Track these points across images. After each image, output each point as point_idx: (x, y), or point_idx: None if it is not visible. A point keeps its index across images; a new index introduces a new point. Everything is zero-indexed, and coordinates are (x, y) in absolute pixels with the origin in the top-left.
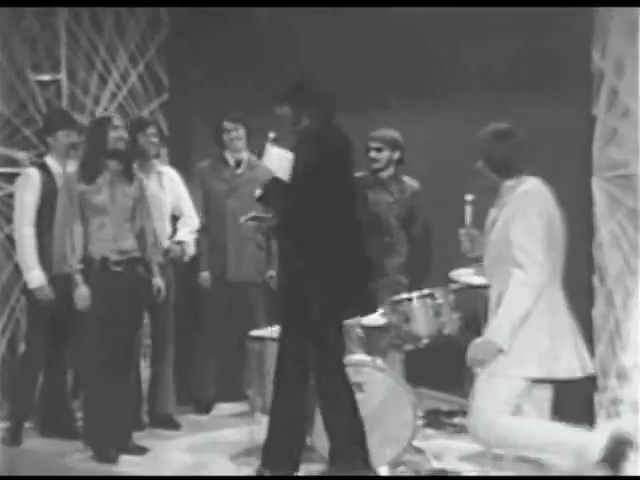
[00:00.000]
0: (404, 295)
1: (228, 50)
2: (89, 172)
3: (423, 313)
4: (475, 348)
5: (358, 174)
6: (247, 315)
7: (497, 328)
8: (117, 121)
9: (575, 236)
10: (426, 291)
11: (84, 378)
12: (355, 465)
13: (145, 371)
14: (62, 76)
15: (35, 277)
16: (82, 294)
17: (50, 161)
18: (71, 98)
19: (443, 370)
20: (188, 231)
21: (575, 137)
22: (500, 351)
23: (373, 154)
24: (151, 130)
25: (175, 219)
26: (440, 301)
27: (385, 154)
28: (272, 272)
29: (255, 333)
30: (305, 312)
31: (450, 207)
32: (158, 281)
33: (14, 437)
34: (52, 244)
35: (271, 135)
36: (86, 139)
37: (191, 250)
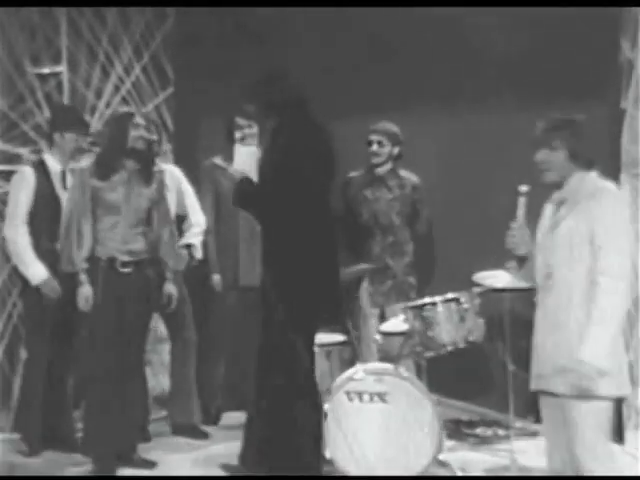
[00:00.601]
0: (427, 299)
1: (238, 41)
2: (105, 168)
3: (448, 318)
4: (578, 378)
5: (353, 174)
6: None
7: (594, 348)
8: (139, 119)
9: None
10: (450, 295)
11: (86, 385)
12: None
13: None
14: (63, 68)
15: (37, 272)
16: (84, 294)
17: (49, 160)
18: (72, 91)
19: (460, 377)
20: (195, 233)
21: (602, 132)
22: (600, 373)
23: (375, 148)
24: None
25: (180, 219)
26: (465, 306)
27: (387, 149)
28: None
29: None
30: (280, 318)
31: (471, 208)
32: (170, 288)
33: (32, 447)
34: (53, 242)
35: (238, 135)
36: (105, 133)
37: (199, 254)
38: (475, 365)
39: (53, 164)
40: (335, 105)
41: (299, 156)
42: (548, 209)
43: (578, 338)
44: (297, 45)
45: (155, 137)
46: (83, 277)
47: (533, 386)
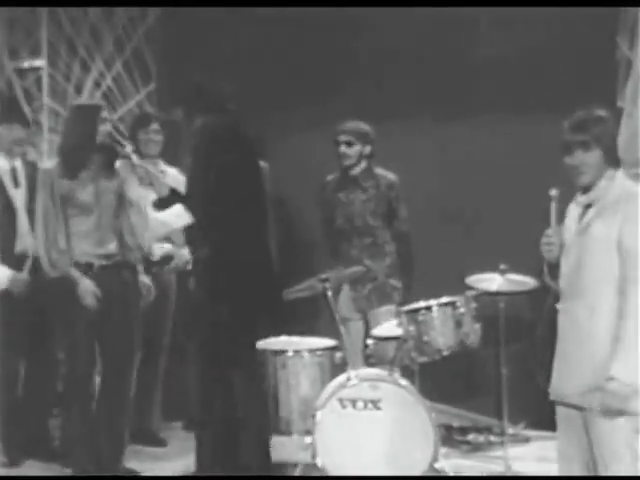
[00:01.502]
0: (422, 303)
1: (222, 36)
2: (73, 166)
3: (444, 323)
4: (610, 397)
5: (329, 177)
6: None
7: (629, 365)
8: (105, 113)
9: None
10: (446, 299)
11: (66, 393)
12: None
13: None
14: (43, 63)
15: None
16: (87, 288)
17: None
18: (51, 86)
19: (450, 381)
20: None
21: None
22: (635, 391)
23: (343, 149)
24: (154, 127)
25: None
26: (462, 310)
27: (356, 149)
28: None
29: (260, 345)
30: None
31: (462, 211)
32: (144, 280)
33: (11, 458)
34: (12, 244)
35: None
36: (70, 127)
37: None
38: (465, 369)
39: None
40: (342, 109)
41: (221, 151)
42: (574, 211)
43: (607, 351)
44: (297, 45)
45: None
46: (76, 273)
47: (554, 397)
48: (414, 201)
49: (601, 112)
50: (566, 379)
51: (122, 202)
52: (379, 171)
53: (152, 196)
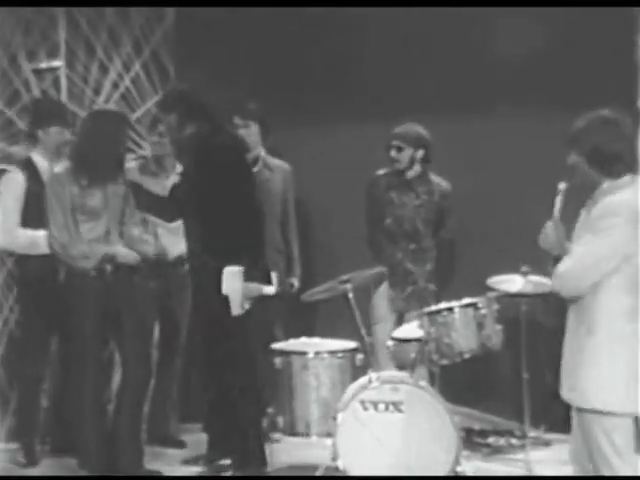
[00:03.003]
0: (443, 304)
1: (241, 36)
2: (93, 172)
3: (465, 325)
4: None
5: (380, 172)
6: (265, 326)
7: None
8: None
9: None
10: (467, 300)
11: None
12: None
13: None
14: (61, 63)
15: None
16: (123, 252)
17: (36, 158)
18: (69, 88)
19: (469, 384)
20: None
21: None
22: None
23: (393, 154)
24: (161, 129)
25: None
26: (483, 311)
27: (407, 153)
28: (293, 279)
29: (276, 346)
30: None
31: (485, 210)
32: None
33: (30, 458)
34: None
35: None
36: (95, 134)
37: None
38: (485, 371)
39: (41, 162)
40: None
41: (219, 159)
42: (582, 216)
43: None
44: (314, 44)
45: None
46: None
47: (566, 396)
48: None
49: (601, 118)
50: (564, 378)
51: (129, 205)
52: (434, 178)
53: None
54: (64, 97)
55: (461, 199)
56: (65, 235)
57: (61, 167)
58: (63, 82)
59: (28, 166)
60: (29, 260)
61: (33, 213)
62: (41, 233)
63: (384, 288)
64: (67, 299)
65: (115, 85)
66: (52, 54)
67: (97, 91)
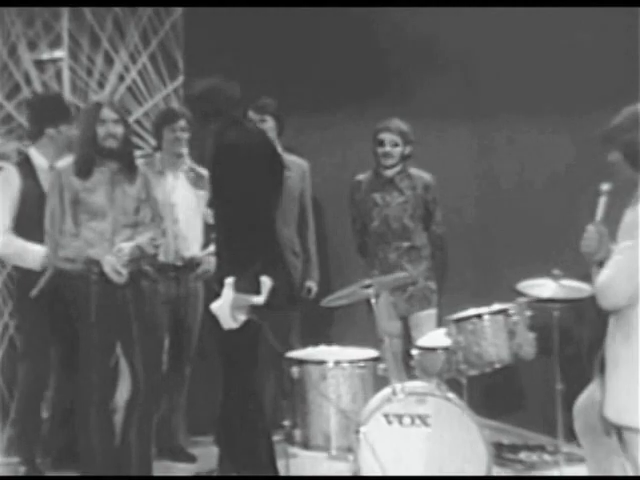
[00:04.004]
0: (472, 311)
1: (253, 26)
2: (82, 167)
3: (495, 333)
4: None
5: (361, 176)
6: (282, 334)
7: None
8: (108, 113)
9: None
10: (497, 306)
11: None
12: None
13: None
14: (63, 54)
15: (37, 252)
16: (109, 264)
17: (35, 155)
18: (72, 80)
19: (498, 395)
20: None
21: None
22: None
23: (388, 149)
24: (181, 124)
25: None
26: (515, 318)
27: (399, 149)
28: (311, 283)
29: (293, 355)
30: None
31: (508, 212)
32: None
33: (30, 471)
34: None
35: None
36: (77, 128)
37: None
38: (516, 382)
39: (40, 160)
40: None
41: (243, 154)
42: (627, 215)
43: None
44: (327, 41)
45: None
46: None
47: (613, 418)
48: (455, 202)
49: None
50: (622, 397)
51: (147, 207)
52: (414, 172)
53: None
54: (67, 90)
55: (488, 200)
56: (56, 235)
57: (65, 162)
58: (66, 74)
59: (24, 165)
60: None
61: (27, 217)
62: (34, 248)
63: (384, 297)
64: (70, 304)
65: (121, 77)
66: (54, 44)
67: (102, 84)
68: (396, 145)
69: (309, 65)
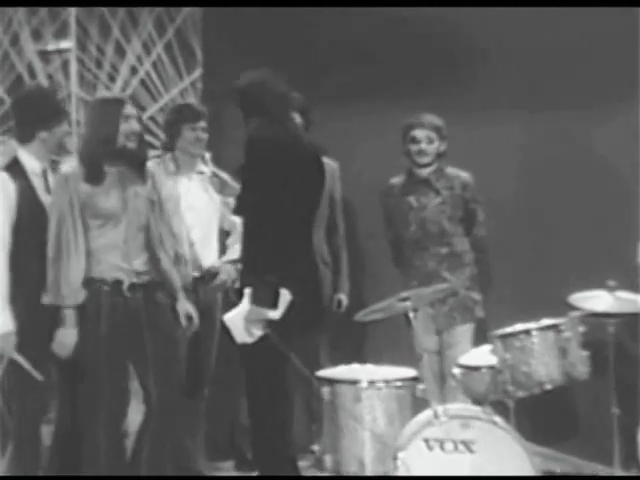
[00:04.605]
0: (519, 326)
1: (278, 15)
2: (92, 170)
3: (546, 351)
4: None
5: (394, 180)
6: (310, 352)
7: None
8: (131, 110)
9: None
10: (547, 321)
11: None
12: None
13: None
14: (70, 45)
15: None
16: (67, 337)
17: (24, 158)
18: (80, 72)
19: (550, 420)
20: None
21: (621, 150)
22: None
23: (423, 146)
24: (202, 124)
25: (225, 234)
26: (567, 335)
27: (435, 145)
28: (341, 295)
29: (324, 374)
30: None
31: (557, 218)
32: (184, 306)
33: None
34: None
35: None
36: (89, 125)
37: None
38: (568, 405)
39: (31, 163)
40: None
41: (284, 156)
42: None
43: None
44: (344, 34)
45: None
46: (70, 314)
47: None
48: (498, 206)
49: None
50: None
51: (154, 209)
52: (450, 170)
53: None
54: (74, 83)
55: (535, 209)
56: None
57: (68, 166)
58: (73, 66)
59: (14, 168)
60: None
61: (24, 228)
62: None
63: (422, 310)
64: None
65: (133, 70)
66: (61, 34)
67: (112, 77)
68: (431, 141)
69: (337, 57)
